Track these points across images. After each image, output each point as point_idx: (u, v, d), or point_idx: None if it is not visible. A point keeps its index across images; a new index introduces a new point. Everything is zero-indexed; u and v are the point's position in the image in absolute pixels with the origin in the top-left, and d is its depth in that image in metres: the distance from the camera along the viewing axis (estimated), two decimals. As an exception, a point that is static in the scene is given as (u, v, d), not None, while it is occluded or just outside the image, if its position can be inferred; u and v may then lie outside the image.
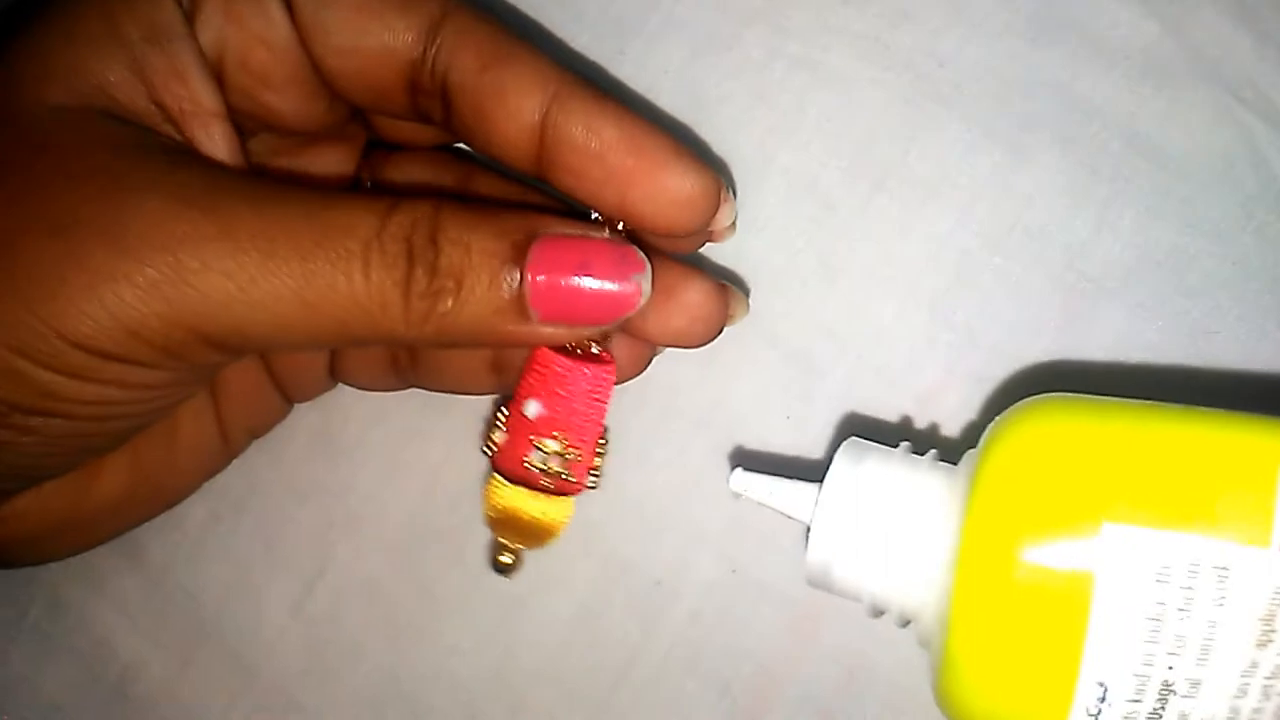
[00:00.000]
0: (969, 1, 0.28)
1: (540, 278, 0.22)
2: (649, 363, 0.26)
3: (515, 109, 0.23)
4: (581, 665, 0.28)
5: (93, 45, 0.22)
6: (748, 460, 0.26)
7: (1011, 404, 0.22)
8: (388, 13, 0.23)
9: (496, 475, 0.25)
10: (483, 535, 0.27)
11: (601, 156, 0.22)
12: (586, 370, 0.24)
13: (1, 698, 0.29)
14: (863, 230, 0.27)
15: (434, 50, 0.23)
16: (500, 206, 0.23)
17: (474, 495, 0.28)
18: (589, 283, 0.22)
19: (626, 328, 0.24)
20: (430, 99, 0.24)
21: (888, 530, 0.22)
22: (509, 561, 0.26)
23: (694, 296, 0.24)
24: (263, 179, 0.24)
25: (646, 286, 0.22)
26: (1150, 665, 0.19)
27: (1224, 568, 0.19)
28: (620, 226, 0.23)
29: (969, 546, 0.21)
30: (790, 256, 0.28)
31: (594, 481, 0.25)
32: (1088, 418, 0.21)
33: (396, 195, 0.22)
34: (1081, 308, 0.26)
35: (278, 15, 0.23)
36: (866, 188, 0.27)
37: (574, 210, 0.24)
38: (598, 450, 0.25)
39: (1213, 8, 0.27)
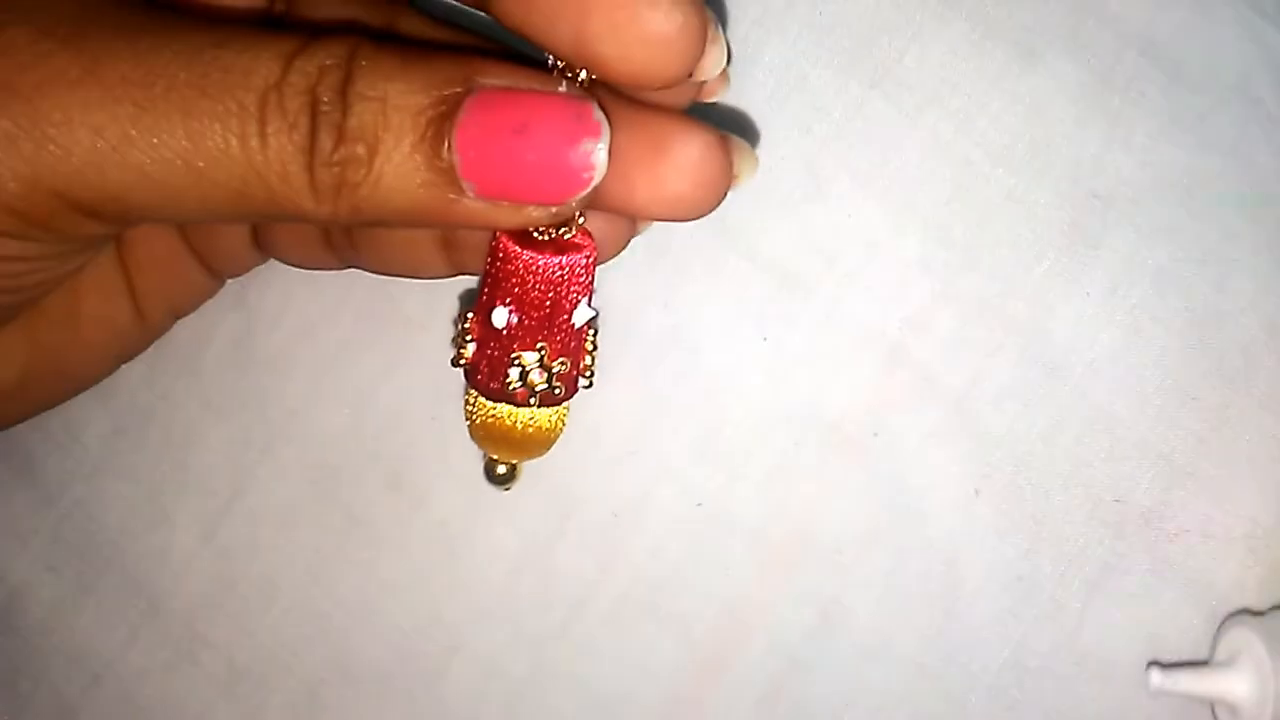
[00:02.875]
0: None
1: (470, 142, 0.18)
2: (628, 241, 0.22)
3: None
4: (527, 605, 0.25)
5: None
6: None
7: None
8: None
9: (473, 392, 0.21)
10: (420, 460, 0.25)
11: None
12: (556, 261, 0.20)
13: None
14: (854, 136, 0.25)
15: None
16: (432, 50, 0.18)
17: (412, 415, 0.25)
18: (526, 150, 0.18)
19: (605, 199, 0.19)
20: None
21: None
22: (504, 472, 0.23)
23: (692, 152, 0.19)
24: (150, 7, 0.19)
25: (602, 157, 0.18)
26: None
27: None
28: (583, 77, 0.19)
29: None
30: (774, 162, 0.25)
31: (587, 382, 0.22)
32: None
33: (312, 33, 0.18)
34: (1089, 227, 0.24)
35: None
36: (860, 89, 0.25)
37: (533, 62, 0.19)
38: (587, 347, 0.21)
39: (1238, -89, 0.25)
